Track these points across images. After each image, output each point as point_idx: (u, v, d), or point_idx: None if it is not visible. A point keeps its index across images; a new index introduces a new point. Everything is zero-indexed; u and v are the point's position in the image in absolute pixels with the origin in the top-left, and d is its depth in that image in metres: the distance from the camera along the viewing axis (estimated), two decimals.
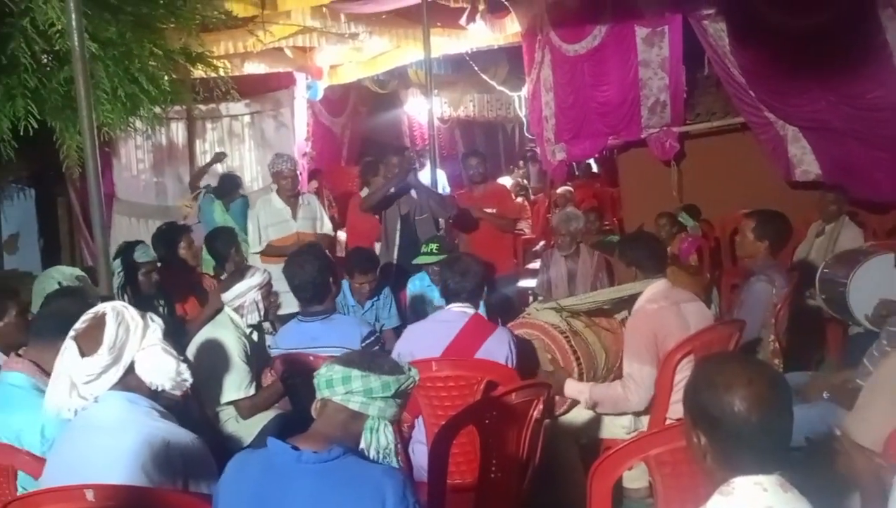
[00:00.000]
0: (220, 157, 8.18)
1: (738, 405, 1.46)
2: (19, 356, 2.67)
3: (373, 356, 2.04)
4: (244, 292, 3.59)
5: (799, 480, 1.50)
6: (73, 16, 3.50)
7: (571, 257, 5.53)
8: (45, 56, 5.16)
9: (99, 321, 2.18)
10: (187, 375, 2.25)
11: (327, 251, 4.95)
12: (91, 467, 2.05)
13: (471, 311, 3.43)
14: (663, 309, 3.37)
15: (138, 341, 2.20)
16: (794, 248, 5.69)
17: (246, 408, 3.51)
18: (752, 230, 3.91)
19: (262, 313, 3.66)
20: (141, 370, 2.20)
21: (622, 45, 7.51)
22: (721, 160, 7.37)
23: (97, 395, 2.16)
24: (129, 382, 2.19)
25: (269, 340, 3.89)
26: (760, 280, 3.82)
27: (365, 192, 6.09)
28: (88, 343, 2.16)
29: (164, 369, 2.21)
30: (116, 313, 2.20)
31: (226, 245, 5.12)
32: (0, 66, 4.98)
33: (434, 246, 4.83)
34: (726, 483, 1.47)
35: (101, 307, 2.23)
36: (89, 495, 1.92)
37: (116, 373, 2.17)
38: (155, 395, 2.21)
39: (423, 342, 3.31)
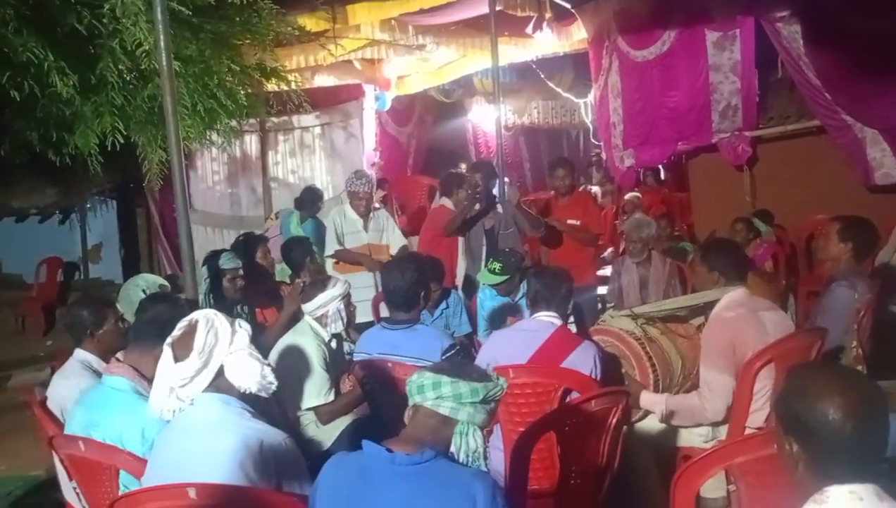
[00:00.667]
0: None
1: (833, 414, 1.45)
2: (119, 360, 2.81)
3: (462, 364, 2.10)
4: (327, 302, 3.68)
5: (892, 490, 1.49)
6: (162, 36, 3.65)
7: (643, 263, 5.48)
8: (130, 75, 5.40)
9: (192, 329, 2.30)
10: (272, 378, 2.35)
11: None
12: (191, 466, 2.15)
13: (557, 322, 3.43)
14: (741, 317, 3.32)
15: (226, 346, 2.31)
16: (875, 254, 5.53)
17: (325, 414, 3.60)
18: (837, 232, 3.81)
19: (345, 321, 3.76)
20: (230, 373, 2.30)
21: (692, 50, 7.45)
22: (796, 164, 7.22)
23: (193, 397, 2.28)
24: (221, 384, 2.29)
25: (346, 347, 3.98)
26: (842, 286, 3.73)
27: (441, 201, 6.08)
28: (181, 349, 2.28)
29: (250, 372, 2.31)
30: (207, 320, 2.32)
31: (301, 254, 5.25)
32: (90, 85, 5.23)
33: (497, 266, 4.65)
34: (820, 492, 1.47)
35: (195, 315, 2.35)
36: (191, 493, 2.02)
37: (207, 376, 2.28)
38: (243, 397, 2.31)
39: (508, 349, 3.31)
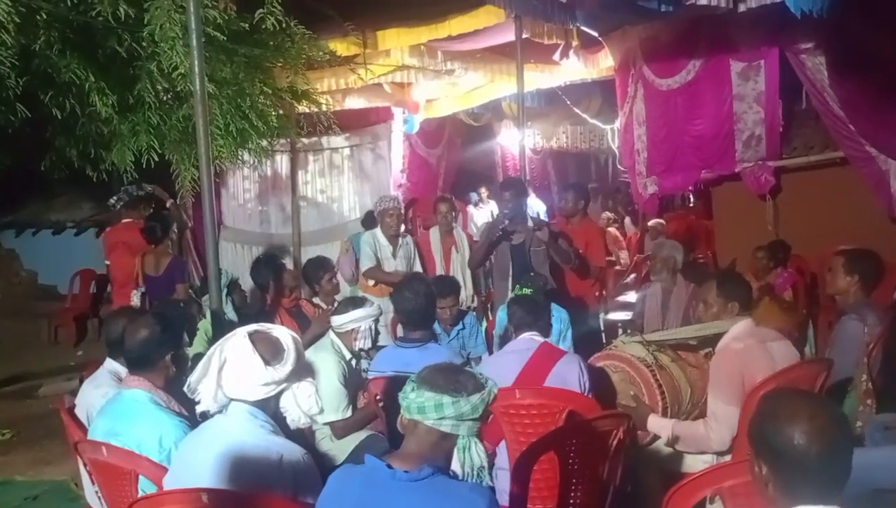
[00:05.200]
0: None
1: (799, 438, 1.53)
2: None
3: (455, 374, 2.05)
4: (360, 318, 3.84)
5: None
6: (196, 60, 3.83)
7: (668, 286, 5.53)
8: (166, 95, 5.61)
9: (277, 343, 2.40)
10: (306, 421, 2.48)
11: None
12: (211, 473, 2.25)
13: (539, 339, 3.63)
14: (750, 348, 3.36)
15: (299, 376, 2.44)
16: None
17: (340, 429, 3.71)
18: (843, 266, 3.86)
19: (374, 340, 3.91)
20: (286, 396, 2.42)
21: (716, 80, 7.51)
22: (819, 195, 7.23)
23: (231, 394, 2.37)
24: (268, 401, 2.39)
25: (364, 364, 4.11)
26: (851, 319, 3.76)
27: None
28: (266, 351, 2.35)
29: (304, 407, 2.43)
30: (295, 344, 2.43)
31: (315, 272, 5.38)
32: (127, 104, 5.45)
33: (528, 292, 4.60)
34: None
35: (278, 332, 2.45)
36: (204, 497, 2.14)
37: (275, 390, 2.38)
38: (268, 412, 2.40)
39: (498, 371, 3.37)
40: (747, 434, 1.66)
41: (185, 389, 2.45)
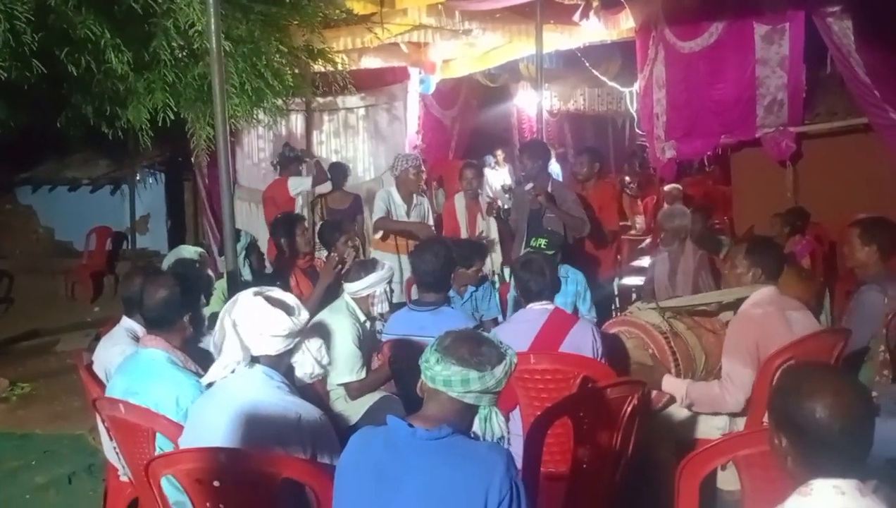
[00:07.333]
0: None
1: (821, 412, 1.52)
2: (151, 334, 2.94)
3: (478, 345, 2.05)
4: (375, 283, 3.83)
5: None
6: (213, 18, 3.79)
7: (676, 254, 5.49)
8: (182, 53, 5.55)
9: (283, 300, 2.43)
10: (319, 372, 2.50)
11: None
12: (228, 432, 2.27)
13: (550, 306, 3.57)
14: (769, 314, 3.35)
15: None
16: None
17: (355, 390, 3.74)
18: (859, 238, 3.82)
19: (390, 303, 3.91)
20: (299, 352, 2.46)
21: (739, 43, 7.39)
22: (841, 161, 7.14)
23: (255, 350, 2.40)
24: (283, 358, 2.43)
25: (378, 326, 4.12)
26: (871, 289, 3.73)
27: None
28: (283, 308, 2.39)
29: (310, 363, 2.46)
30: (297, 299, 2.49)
31: (332, 233, 5.38)
32: (143, 62, 5.41)
33: (543, 242, 4.69)
34: (805, 485, 1.54)
35: (280, 293, 2.49)
36: (222, 457, 2.16)
37: (293, 342, 2.42)
38: (282, 372, 2.42)
39: (509, 341, 3.37)
40: (767, 407, 1.65)
41: (210, 348, 2.47)
